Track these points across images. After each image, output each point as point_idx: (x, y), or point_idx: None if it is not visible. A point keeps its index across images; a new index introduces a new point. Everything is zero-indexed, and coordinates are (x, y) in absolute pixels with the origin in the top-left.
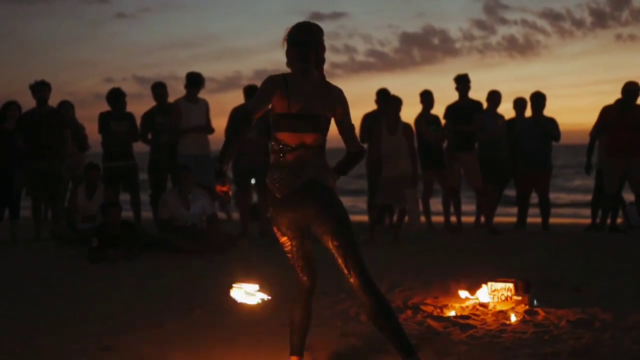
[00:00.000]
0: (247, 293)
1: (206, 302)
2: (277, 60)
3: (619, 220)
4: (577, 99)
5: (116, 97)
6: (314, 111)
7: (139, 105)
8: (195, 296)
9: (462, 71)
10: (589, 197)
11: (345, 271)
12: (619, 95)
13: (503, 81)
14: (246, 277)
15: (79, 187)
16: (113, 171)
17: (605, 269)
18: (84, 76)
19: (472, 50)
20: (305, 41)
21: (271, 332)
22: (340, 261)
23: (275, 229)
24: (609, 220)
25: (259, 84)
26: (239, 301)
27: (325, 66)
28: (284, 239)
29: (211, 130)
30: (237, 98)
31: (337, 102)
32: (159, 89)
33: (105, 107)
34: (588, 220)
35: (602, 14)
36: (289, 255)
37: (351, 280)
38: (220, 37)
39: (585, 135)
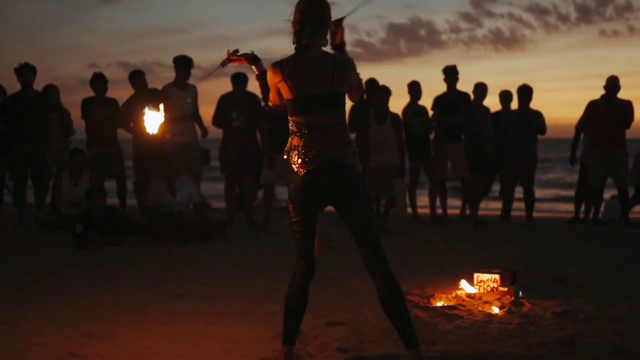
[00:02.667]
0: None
1: (192, 289)
2: (264, 48)
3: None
4: (561, 93)
5: (97, 80)
6: (318, 91)
7: (124, 92)
8: (181, 283)
9: (448, 63)
10: (564, 192)
11: (361, 252)
12: (602, 90)
13: (488, 74)
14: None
15: (64, 173)
16: (97, 157)
17: (589, 261)
18: (67, 61)
19: (458, 42)
20: (300, 19)
21: (259, 320)
22: (356, 242)
23: (290, 207)
24: (591, 214)
25: (244, 71)
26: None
27: None
28: (297, 219)
29: (198, 118)
30: (223, 85)
31: (344, 77)
32: (137, 76)
33: (89, 93)
34: (568, 214)
35: (587, 9)
36: (297, 235)
37: (366, 261)
38: (207, 23)
39: (570, 129)
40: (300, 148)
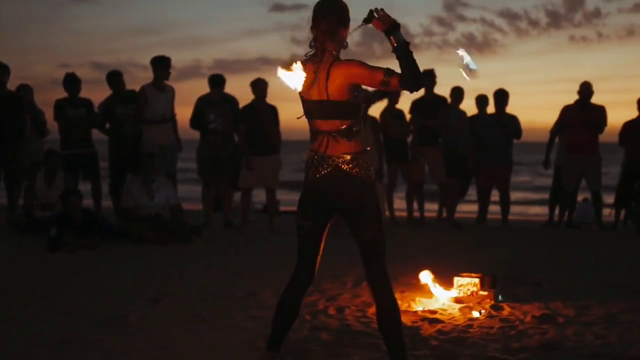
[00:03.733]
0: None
1: (171, 293)
2: (238, 49)
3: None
4: (531, 97)
5: (70, 81)
6: (315, 96)
7: (96, 92)
8: (160, 287)
9: (421, 66)
10: (533, 195)
11: (365, 268)
12: (571, 94)
13: (461, 77)
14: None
15: (38, 174)
16: (72, 158)
17: (565, 264)
18: (39, 61)
19: (431, 45)
20: (314, 22)
21: (241, 325)
22: (362, 257)
23: (297, 209)
24: (565, 217)
25: (220, 73)
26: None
27: (286, 57)
28: (301, 222)
29: (175, 124)
30: (197, 87)
31: (341, 84)
32: (115, 77)
33: (61, 94)
34: (537, 217)
35: (557, 15)
36: (300, 239)
37: (369, 279)
38: (181, 24)
39: (539, 133)
40: (312, 152)
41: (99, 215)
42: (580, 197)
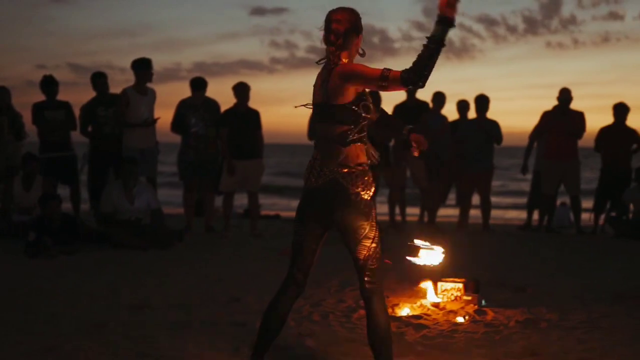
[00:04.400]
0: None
1: (153, 299)
2: (217, 52)
3: None
4: (509, 102)
5: (48, 83)
6: (316, 100)
7: (73, 94)
8: (141, 293)
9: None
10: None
11: (359, 278)
12: (548, 99)
13: (439, 82)
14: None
15: (16, 178)
16: (50, 162)
17: (546, 269)
18: (15, 62)
19: (410, 50)
20: (325, 34)
21: (225, 332)
22: (355, 268)
23: (295, 216)
24: (545, 221)
25: (198, 75)
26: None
27: (266, 61)
28: (295, 228)
29: (154, 125)
30: (176, 90)
31: (338, 87)
32: (99, 78)
33: (39, 96)
34: (513, 221)
35: (534, 21)
36: (296, 247)
37: (360, 287)
38: (160, 27)
39: (516, 138)
40: (313, 160)
41: (79, 220)
42: (557, 202)
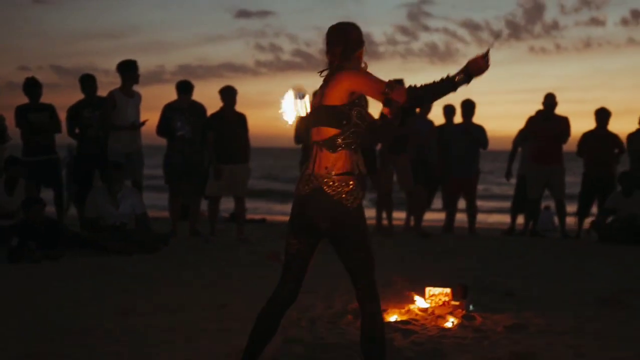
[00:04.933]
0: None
1: (138, 305)
2: (202, 55)
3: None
4: (492, 107)
5: (31, 86)
6: (315, 104)
7: (55, 96)
8: (127, 299)
9: (385, 74)
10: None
11: (353, 284)
12: (531, 104)
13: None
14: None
15: None
16: (34, 166)
17: (532, 273)
18: None
19: (395, 54)
20: (327, 50)
21: (213, 338)
22: (349, 277)
23: (288, 225)
24: (530, 226)
25: (183, 78)
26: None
27: (251, 64)
28: (288, 238)
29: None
30: (160, 92)
31: (336, 88)
32: (88, 81)
33: (21, 98)
34: (495, 225)
35: (517, 26)
36: (287, 257)
37: (357, 295)
38: (144, 29)
39: (499, 142)
40: (305, 167)
41: (62, 225)
42: (541, 206)
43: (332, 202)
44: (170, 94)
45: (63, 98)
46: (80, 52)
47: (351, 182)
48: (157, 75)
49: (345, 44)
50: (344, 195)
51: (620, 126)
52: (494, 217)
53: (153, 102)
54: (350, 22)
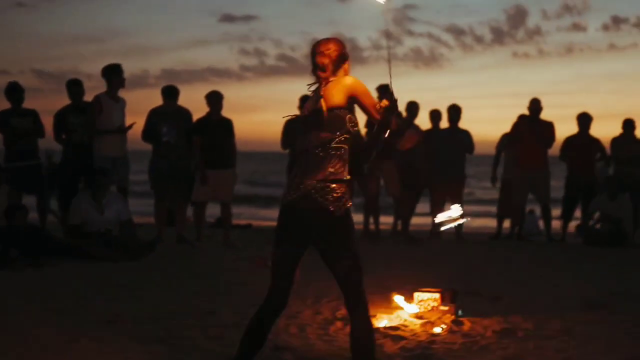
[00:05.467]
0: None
1: (125, 313)
2: (185, 59)
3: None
4: (476, 111)
5: (13, 90)
6: (309, 109)
7: (37, 100)
8: (113, 307)
9: (370, 79)
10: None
11: (342, 292)
12: (515, 108)
13: (409, 91)
14: None
15: None
16: (16, 171)
17: (519, 277)
18: None
19: (379, 59)
20: (313, 64)
21: (202, 347)
22: (338, 284)
23: (274, 233)
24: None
25: (167, 82)
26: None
27: (235, 68)
28: (275, 248)
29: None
30: (144, 97)
31: (333, 96)
32: (74, 86)
33: (2, 103)
34: (485, 230)
35: (500, 31)
36: (274, 266)
37: (346, 303)
38: (128, 33)
39: (484, 146)
40: (292, 175)
41: (46, 232)
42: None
43: (321, 208)
44: (154, 98)
45: (45, 102)
46: (63, 56)
47: (340, 189)
48: (141, 80)
49: (329, 62)
50: (332, 202)
51: (601, 130)
52: (479, 221)
53: (137, 106)
54: (335, 37)
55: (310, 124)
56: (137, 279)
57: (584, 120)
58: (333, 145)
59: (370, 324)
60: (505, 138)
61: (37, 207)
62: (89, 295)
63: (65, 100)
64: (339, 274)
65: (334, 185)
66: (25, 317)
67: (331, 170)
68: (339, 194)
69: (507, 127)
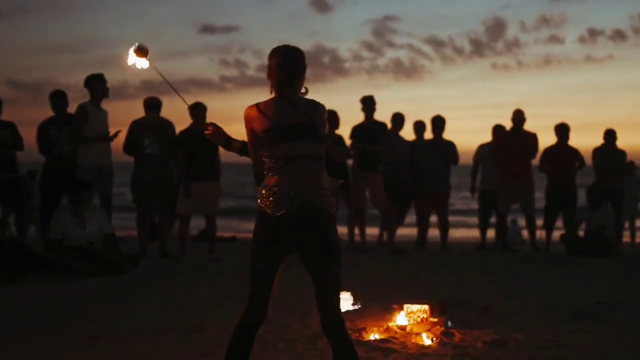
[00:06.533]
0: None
1: (109, 330)
2: (166, 70)
3: None
4: (457, 122)
5: None
6: (298, 120)
7: (13, 111)
8: (96, 324)
9: (351, 91)
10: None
11: (320, 310)
12: (494, 119)
13: (390, 102)
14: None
15: None
16: None
17: (508, 287)
18: None
19: (360, 70)
20: (278, 70)
21: None
22: (316, 292)
23: (255, 251)
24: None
25: (146, 94)
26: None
27: (216, 79)
28: (260, 265)
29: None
30: (123, 108)
31: (323, 119)
32: (59, 97)
33: None
34: (468, 240)
35: (480, 43)
36: (254, 281)
37: (322, 321)
38: (106, 43)
39: (465, 157)
40: (275, 187)
41: (25, 246)
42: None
43: (324, 213)
44: (133, 110)
45: (20, 114)
46: (39, 66)
47: (331, 195)
48: (121, 91)
49: (295, 69)
50: (331, 206)
51: (578, 141)
52: (459, 232)
53: (117, 117)
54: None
55: (302, 133)
56: (121, 294)
57: (562, 130)
58: (322, 153)
59: (351, 341)
60: (483, 148)
61: (16, 221)
62: (71, 312)
63: (41, 111)
64: (328, 280)
65: (327, 192)
66: (5, 334)
67: (325, 177)
68: (332, 197)
69: (487, 138)
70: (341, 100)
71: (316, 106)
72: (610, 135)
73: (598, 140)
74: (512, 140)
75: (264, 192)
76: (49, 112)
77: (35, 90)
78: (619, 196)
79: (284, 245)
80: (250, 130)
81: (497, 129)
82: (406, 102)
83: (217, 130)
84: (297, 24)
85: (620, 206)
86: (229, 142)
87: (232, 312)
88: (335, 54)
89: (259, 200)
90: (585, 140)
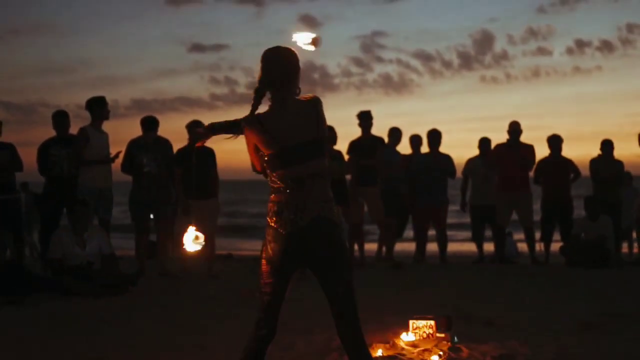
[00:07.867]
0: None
1: (110, 352)
2: (156, 89)
3: None
4: (447, 136)
5: None
6: (304, 137)
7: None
8: (97, 345)
9: (341, 106)
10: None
11: (338, 323)
12: (484, 132)
13: (379, 117)
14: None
15: None
16: None
17: (509, 300)
18: None
19: (350, 86)
20: (272, 73)
21: None
22: (334, 311)
23: (266, 268)
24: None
25: (137, 112)
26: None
27: (206, 97)
28: (271, 281)
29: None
30: (114, 127)
31: (324, 122)
32: (61, 117)
33: None
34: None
35: (468, 56)
36: (266, 298)
37: (342, 334)
38: (96, 63)
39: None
40: (284, 205)
41: (24, 267)
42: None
43: (333, 225)
44: (125, 129)
45: (10, 135)
46: (29, 87)
47: (335, 207)
48: (112, 110)
49: (290, 70)
50: (338, 217)
51: (568, 151)
52: (452, 246)
53: (125, 138)
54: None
55: (316, 152)
56: (121, 315)
57: (555, 142)
58: (326, 164)
59: (371, 357)
60: (471, 162)
61: (14, 243)
62: (72, 333)
63: (32, 132)
64: (340, 296)
65: (333, 202)
66: (4, 355)
67: (330, 191)
68: (338, 211)
69: (477, 152)
70: (331, 116)
71: (315, 105)
72: (607, 145)
73: (588, 150)
74: (509, 152)
75: (273, 208)
76: (40, 133)
77: (27, 111)
78: (618, 207)
79: (293, 259)
80: (253, 144)
81: (483, 142)
82: (396, 117)
83: (205, 130)
84: (286, 41)
85: (619, 217)
86: (214, 129)
87: (236, 329)
88: (324, 70)
89: (267, 217)
90: (575, 151)
